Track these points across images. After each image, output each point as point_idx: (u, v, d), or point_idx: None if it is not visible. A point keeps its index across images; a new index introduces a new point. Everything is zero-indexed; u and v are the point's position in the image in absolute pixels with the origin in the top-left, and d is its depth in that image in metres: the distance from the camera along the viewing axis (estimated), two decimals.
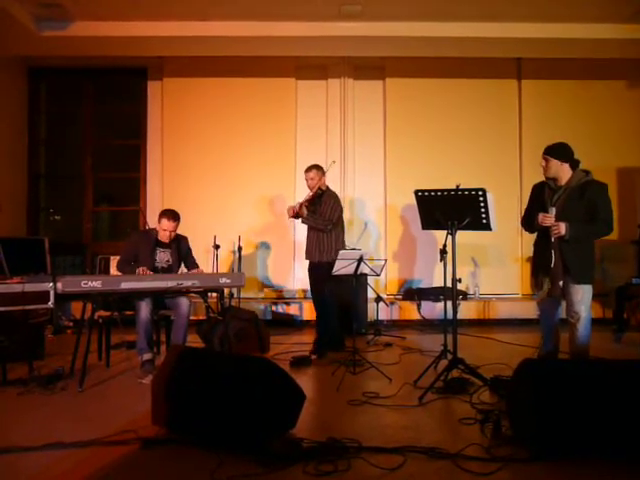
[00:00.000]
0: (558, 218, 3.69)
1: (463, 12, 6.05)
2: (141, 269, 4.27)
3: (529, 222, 4.01)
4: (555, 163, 3.82)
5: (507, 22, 6.24)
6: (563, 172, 3.82)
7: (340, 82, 7.43)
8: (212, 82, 7.37)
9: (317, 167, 5.18)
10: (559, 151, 3.84)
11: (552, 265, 3.71)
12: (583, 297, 3.76)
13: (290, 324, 6.66)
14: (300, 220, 5.13)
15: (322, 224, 5.03)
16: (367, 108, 7.44)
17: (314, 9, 5.96)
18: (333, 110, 7.42)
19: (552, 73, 7.30)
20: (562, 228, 3.65)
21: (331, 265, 4.82)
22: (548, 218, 3.72)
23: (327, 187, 5.21)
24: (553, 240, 3.71)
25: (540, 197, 3.96)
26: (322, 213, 5.06)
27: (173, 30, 6.28)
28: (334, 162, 5.29)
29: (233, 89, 7.34)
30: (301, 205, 5.00)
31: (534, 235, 4.09)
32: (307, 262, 5.29)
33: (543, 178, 4.00)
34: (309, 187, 5.14)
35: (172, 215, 4.55)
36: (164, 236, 4.56)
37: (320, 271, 5.02)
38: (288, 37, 6.36)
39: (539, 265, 3.93)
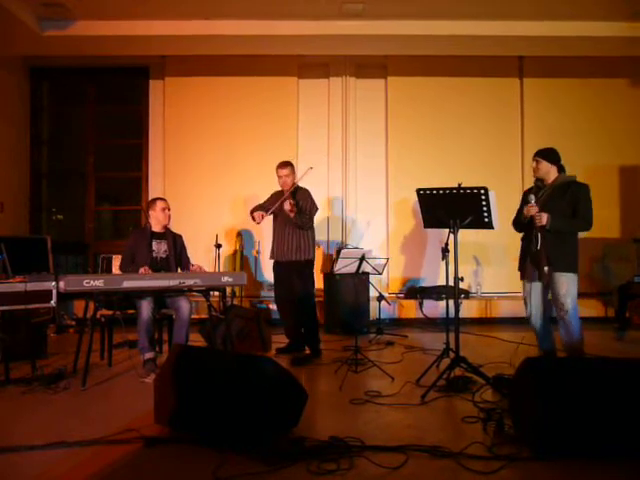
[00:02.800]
0: (542, 210, 3.89)
1: (465, 10, 6.04)
2: (143, 269, 4.29)
3: (518, 222, 4.22)
4: (545, 165, 4.06)
5: (509, 20, 6.23)
6: (551, 173, 4.07)
7: (342, 81, 7.42)
8: (214, 81, 7.37)
9: (291, 164, 5.11)
10: (549, 154, 4.09)
11: (535, 252, 3.90)
12: (568, 289, 3.91)
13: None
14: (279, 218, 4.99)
15: (307, 223, 4.94)
16: (369, 106, 7.43)
17: (316, 8, 5.96)
18: (335, 109, 7.42)
19: (554, 71, 7.29)
20: (544, 218, 3.84)
21: (312, 263, 4.95)
22: (532, 207, 3.90)
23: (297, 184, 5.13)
24: (536, 228, 3.89)
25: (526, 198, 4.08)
26: (303, 210, 4.95)
27: (175, 29, 6.28)
28: (311, 168, 4.97)
29: (235, 88, 7.33)
30: (292, 206, 4.80)
31: None
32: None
33: None
34: (283, 184, 5.03)
35: (161, 197, 4.86)
36: (164, 218, 4.66)
37: (302, 270, 4.96)
38: (290, 36, 6.36)
39: (524, 257, 4.13)
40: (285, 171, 5.02)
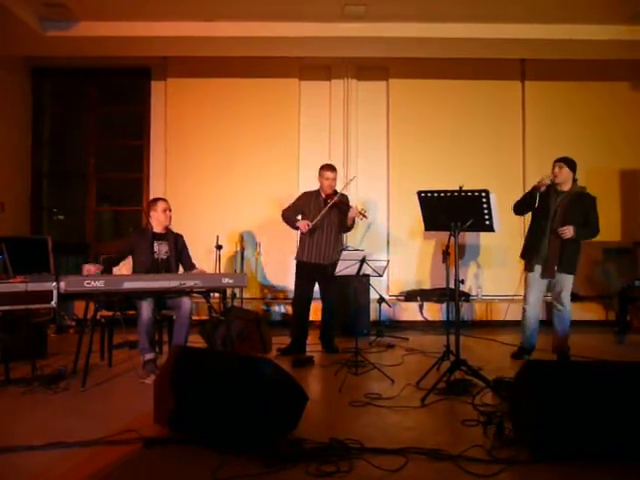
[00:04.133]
0: (564, 218, 4.46)
1: (467, 13, 6.05)
2: (88, 267, 4.13)
3: (521, 205, 4.77)
4: (567, 171, 4.54)
5: (511, 24, 6.23)
6: (569, 181, 4.57)
7: (343, 83, 7.43)
8: (215, 82, 7.38)
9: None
10: (571, 162, 4.58)
11: (548, 252, 4.52)
12: (569, 287, 4.57)
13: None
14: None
15: (352, 226, 5.18)
16: (370, 109, 7.44)
17: (318, 10, 5.96)
18: (336, 111, 7.42)
19: (555, 74, 7.30)
20: (571, 230, 4.39)
21: None
22: (546, 180, 4.49)
23: None
24: (549, 234, 4.52)
25: (544, 196, 4.56)
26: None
27: (177, 30, 6.29)
28: (354, 177, 5.52)
29: (237, 89, 7.34)
30: (360, 213, 4.97)
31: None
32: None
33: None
34: (328, 187, 5.10)
35: (162, 198, 4.80)
36: (165, 220, 4.62)
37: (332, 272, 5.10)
38: (292, 38, 6.37)
39: (533, 251, 4.65)
40: (334, 174, 5.14)
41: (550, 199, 4.56)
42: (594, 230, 4.52)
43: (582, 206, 4.51)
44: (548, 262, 4.52)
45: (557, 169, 4.52)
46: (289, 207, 5.22)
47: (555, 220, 4.49)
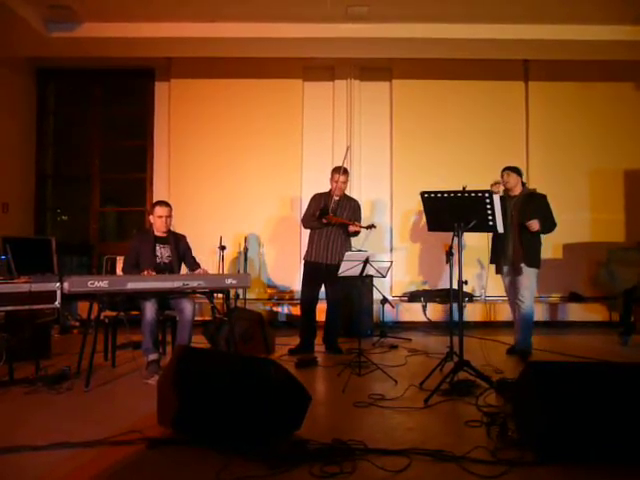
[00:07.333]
0: (519, 219, 4.82)
1: (470, 14, 6.04)
2: (146, 271, 4.28)
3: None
4: (515, 177, 4.96)
5: (514, 24, 6.22)
6: (518, 186, 4.97)
7: (347, 83, 7.43)
8: (219, 83, 7.39)
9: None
10: (517, 169, 5.01)
11: (512, 252, 4.89)
12: (531, 283, 4.89)
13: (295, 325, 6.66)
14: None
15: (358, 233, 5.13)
16: (374, 109, 7.44)
17: (321, 11, 5.96)
18: (340, 111, 7.42)
19: (559, 75, 7.28)
20: (537, 224, 4.74)
21: None
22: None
23: None
24: (512, 234, 4.86)
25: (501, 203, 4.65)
26: (357, 218, 5.13)
27: (181, 31, 6.29)
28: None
29: (240, 90, 7.35)
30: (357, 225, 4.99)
31: None
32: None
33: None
34: (338, 189, 5.10)
35: (163, 202, 4.70)
36: (161, 226, 4.57)
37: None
38: (295, 38, 6.36)
39: (500, 254, 4.99)
40: (344, 177, 5.14)
41: (505, 204, 4.77)
42: (552, 223, 4.90)
43: (535, 205, 4.87)
44: (513, 261, 4.91)
45: (505, 177, 4.93)
46: (305, 214, 5.26)
47: (512, 222, 4.85)
